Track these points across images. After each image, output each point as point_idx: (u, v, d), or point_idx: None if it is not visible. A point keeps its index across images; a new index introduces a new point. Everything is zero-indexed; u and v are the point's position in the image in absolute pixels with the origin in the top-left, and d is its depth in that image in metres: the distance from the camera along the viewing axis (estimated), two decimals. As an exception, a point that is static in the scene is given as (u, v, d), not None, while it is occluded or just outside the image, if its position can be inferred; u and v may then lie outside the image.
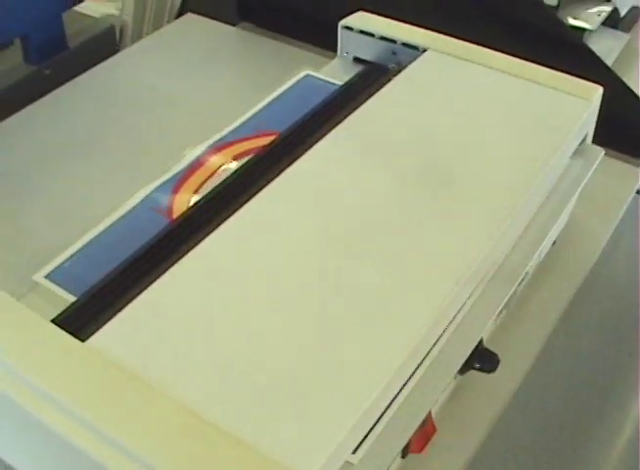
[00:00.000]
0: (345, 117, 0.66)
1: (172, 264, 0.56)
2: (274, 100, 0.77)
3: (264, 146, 0.68)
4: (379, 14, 0.80)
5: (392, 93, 0.69)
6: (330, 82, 0.79)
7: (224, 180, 0.65)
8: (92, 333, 0.51)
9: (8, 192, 0.76)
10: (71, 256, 0.62)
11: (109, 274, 0.58)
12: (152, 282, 0.55)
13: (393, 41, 0.76)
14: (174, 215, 0.65)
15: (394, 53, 0.76)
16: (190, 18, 1.00)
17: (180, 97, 0.86)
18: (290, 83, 0.79)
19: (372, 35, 0.76)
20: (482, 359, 0.59)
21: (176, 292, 0.53)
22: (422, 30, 0.75)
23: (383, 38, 0.76)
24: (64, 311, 0.55)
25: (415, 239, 0.57)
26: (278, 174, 0.62)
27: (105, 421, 0.45)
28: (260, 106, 0.76)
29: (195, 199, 0.67)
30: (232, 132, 0.74)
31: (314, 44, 0.96)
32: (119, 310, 0.53)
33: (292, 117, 0.73)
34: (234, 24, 1.01)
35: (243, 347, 0.50)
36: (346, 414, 0.46)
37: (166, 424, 0.45)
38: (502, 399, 0.63)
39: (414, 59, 0.74)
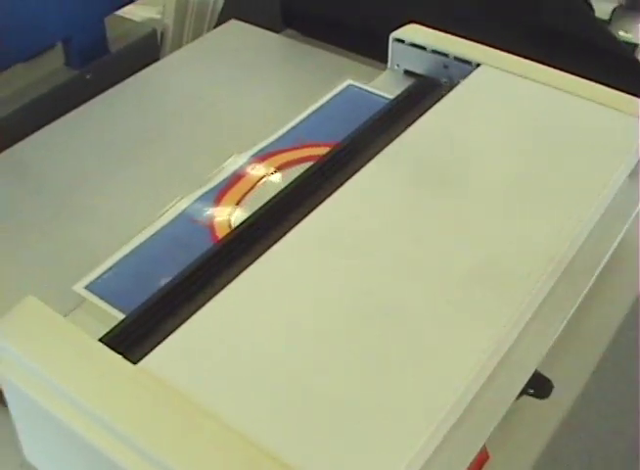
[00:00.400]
0: (396, 136, 0.65)
1: (219, 286, 0.55)
2: (317, 110, 0.77)
3: (314, 163, 0.66)
4: (429, 26, 0.78)
5: (445, 112, 0.67)
6: (373, 93, 0.78)
7: (272, 198, 0.64)
8: (141, 354, 0.50)
9: (49, 201, 0.75)
10: (111, 267, 0.62)
11: (155, 294, 0.57)
12: (199, 303, 0.54)
13: (446, 55, 0.74)
14: (216, 228, 0.64)
15: (446, 67, 0.74)
16: (234, 24, 0.99)
17: (223, 105, 0.85)
18: (332, 93, 0.79)
19: (424, 48, 0.75)
20: (536, 385, 0.57)
21: (227, 315, 0.52)
22: (475, 45, 0.74)
23: (435, 52, 0.75)
24: (111, 330, 0.54)
25: (475, 260, 0.56)
26: (328, 194, 0.61)
27: (159, 447, 0.44)
28: (303, 116, 0.76)
29: (237, 211, 0.66)
30: (274, 143, 0.73)
31: (358, 53, 0.95)
32: (167, 331, 0.52)
33: (335, 128, 0.73)
34: (278, 32, 0.99)
35: (295, 373, 0.49)
36: (405, 445, 0.45)
37: (222, 451, 0.44)
38: (553, 424, 0.62)
39: (466, 73, 0.73)
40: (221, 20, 1.12)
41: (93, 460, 0.47)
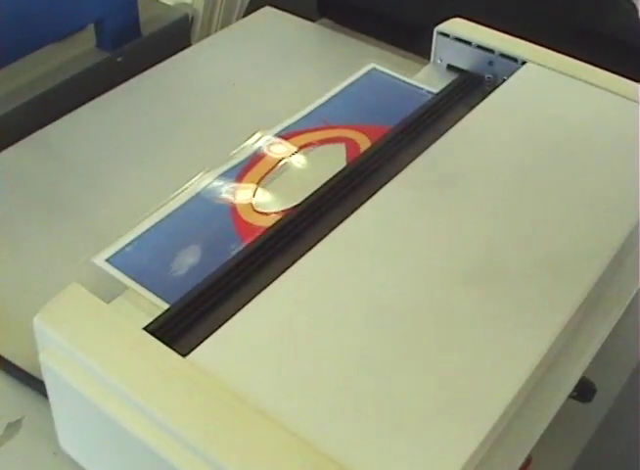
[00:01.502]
0: (440, 134, 0.64)
1: (265, 278, 0.54)
2: (340, 92, 0.77)
3: (357, 157, 0.66)
4: (471, 20, 0.77)
5: (491, 112, 0.67)
6: (395, 77, 0.78)
7: (321, 188, 0.63)
8: (186, 345, 0.49)
9: (77, 181, 0.74)
10: (132, 241, 0.61)
11: (200, 284, 0.56)
12: (244, 295, 0.53)
13: (491, 51, 0.73)
14: (237, 206, 0.65)
15: (491, 63, 0.73)
16: (268, 11, 0.97)
17: (255, 92, 0.85)
18: (355, 77, 0.79)
19: (469, 43, 0.74)
20: (580, 388, 0.56)
21: (277, 309, 0.51)
22: (521, 42, 0.73)
23: (480, 47, 0.74)
24: (156, 320, 0.53)
25: (527, 262, 0.55)
26: (370, 193, 0.60)
27: (209, 443, 0.43)
28: (326, 98, 0.76)
29: (259, 190, 0.66)
30: (297, 123, 0.73)
31: (395, 45, 0.93)
32: (211, 323, 0.51)
33: (357, 110, 0.74)
34: (313, 20, 0.98)
35: (347, 371, 0.48)
36: (459, 449, 0.44)
37: (274, 449, 0.43)
38: (591, 427, 0.62)
39: (511, 70, 0.72)
40: (251, 6, 1.11)
41: (137, 453, 0.46)
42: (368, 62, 0.82)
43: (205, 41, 0.94)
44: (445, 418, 0.45)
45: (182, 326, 0.52)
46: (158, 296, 0.57)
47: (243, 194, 0.66)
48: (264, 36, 0.93)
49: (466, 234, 0.56)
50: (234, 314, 0.51)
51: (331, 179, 0.63)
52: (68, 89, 0.89)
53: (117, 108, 0.82)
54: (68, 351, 0.47)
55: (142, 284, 0.58)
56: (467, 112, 0.67)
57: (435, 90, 0.73)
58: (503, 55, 0.72)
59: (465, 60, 0.75)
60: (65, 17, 0.87)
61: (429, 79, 0.75)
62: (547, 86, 0.69)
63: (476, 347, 0.49)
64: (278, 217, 0.62)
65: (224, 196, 0.66)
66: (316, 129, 0.73)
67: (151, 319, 0.52)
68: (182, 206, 0.64)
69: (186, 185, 0.66)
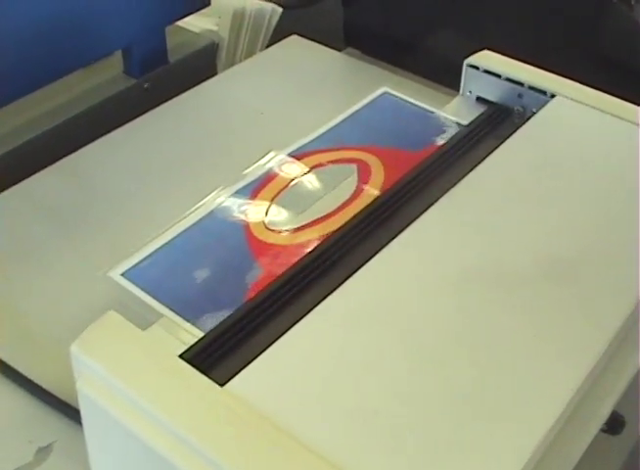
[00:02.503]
0: (471, 167, 0.65)
1: (300, 307, 0.54)
2: (353, 114, 0.78)
3: (390, 188, 0.66)
4: (500, 52, 0.78)
5: (520, 147, 0.67)
6: (407, 100, 0.80)
7: (354, 218, 0.63)
8: (223, 374, 0.50)
9: (110, 208, 0.74)
10: (146, 257, 0.62)
11: (235, 312, 0.56)
12: (279, 324, 0.54)
13: (520, 84, 0.73)
14: (250, 224, 0.66)
15: (520, 95, 0.74)
16: (295, 40, 0.98)
17: (283, 121, 0.85)
18: (368, 100, 0.80)
19: (498, 76, 0.74)
20: (609, 421, 0.56)
21: (315, 340, 0.51)
22: (550, 75, 0.73)
23: (509, 80, 0.74)
24: (191, 347, 0.53)
25: (562, 297, 0.55)
26: (408, 219, 0.61)
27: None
28: (338, 120, 0.77)
29: (272, 208, 0.67)
30: (310, 143, 0.74)
31: (421, 75, 0.94)
32: (247, 351, 0.52)
33: (369, 132, 0.76)
34: (340, 50, 0.99)
35: (385, 403, 0.48)
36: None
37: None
38: (620, 458, 0.62)
39: (540, 103, 0.72)
40: (276, 34, 1.12)
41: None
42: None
43: (233, 69, 0.94)
44: (481, 450, 0.46)
45: (217, 354, 0.52)
46: (171, 310, 0.58)
47: (255, 212, 0.67)
48: (291, 65, 0.94)
49: (496, 264, 0.57)
50: (269, 343, 0.51)
51: (366, 208, 0.64)
52: (94, 115, 0.90)
53: (145, 135, 0.83)
54: (106, 379, 0.47)
55: (155, 298, 0.59)
56: (496, 143, 0.67)
57: (465, 122, 0.73)
58: (532, 88, 0.73)
59: (494, 92, 0.75)
60: (93, 43, 0.88)
61: (458, 111, 0.75)
62: (576, 120, 0.69)
63: (510, 378, 0.50)
64: (290, 235, 0.64)
65: (237, 214, 0.67)
66: (328, 150, 0.74)
67: (186, 347, 0.52)
68: (196, 223, 0.65)
69: (200, 202, 0.67)
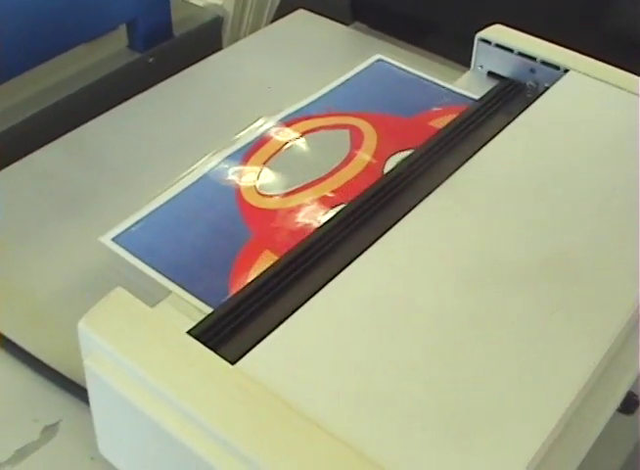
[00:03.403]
0: (483, 143, 0.64)
1: (309, 284, 0.54)
2: (346, 82, 0.78)
3: (399, 164, 0.66)
4: (511, 26, 0.77)
5: (534, 121, 0.66)
6: (402, 68, 0.80)
7: (369, 190, 0.63)
8: (232, 351, 0.49)
9: (115, 184, 0.73)
10: (137, 222, 0.63)
11: (243, 289, 0.55)
12: (288, 301, 0.53)
13: (533, 58, 0.72)
14: (241, 188, 0.66)
15: (533, 70, 0.72)
16: (301, 14, 0.97)
17: (289, 95, 0.83)
18: (362, 67, 0.80)
19: (510, 50, 0.73)
20: (625, 402, 0.56)
21: (327, 317, 0.51)
22: (563, 49, 0.72)
23: (521, 54, 0.73)
24: (199, 324, 0.52)
25: (574, 285, 0.54)
26: (419, 196, 0.60)
27: (262, 454, 0.43)
28: (332, 86, 0.77)
29: (262, 173, 0.67)
30: (301, 109, 0.74)
31: (429, 49, 0.93)
32: (257, 328, 0.51)
33: (362, 99, 0.76)
34: (347, 24, 0.97)
35: (399, 381, 0.47)
36: (511, 464, 0.44)
37: (327, 460, 0.43)
38: (634, 438, 0.61)
39: (553, 78, 0.71)
40: (281, 9, 1.11)
41: (182, 460, 0.45)
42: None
43: (239, 43, 0.93)
44: (497, 431, 0.45)
45: (226, 331, 0.51)
46: (161, 274, 0.59)
47: (247, 176, 0.67)
48: (298, 40, 0.93)
49: (506, 247, 0.56)
50: (279, 320, 0.51)
51: (376, 183, 0.63)
52: (99, 89, 0.89)
53: (150, 109, 0.82)
54: (114, 357, 0.47)
55: (145, 262, 0.60)
56: (509, 119, 0.66)
57: (476, 97, 0.72)
58: (545, 62, 0.72)
59: (506, 67, 0.74)
60: (97, 17, 0.87)
61: (469, 86, 0.74)
62: (590, 95, 0.68)
63: (526, 359, 0.49)
64: (281, 200, 0.65)
65: (229, 178, 0.67)
66: (320, 116, 0.74)
67: (194, 323, 0.51)
68: (188, 187, 0.66)
69: (192, 167, 0.67)
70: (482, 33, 0.74)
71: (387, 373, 0.47)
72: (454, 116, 0.71)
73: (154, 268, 0.59)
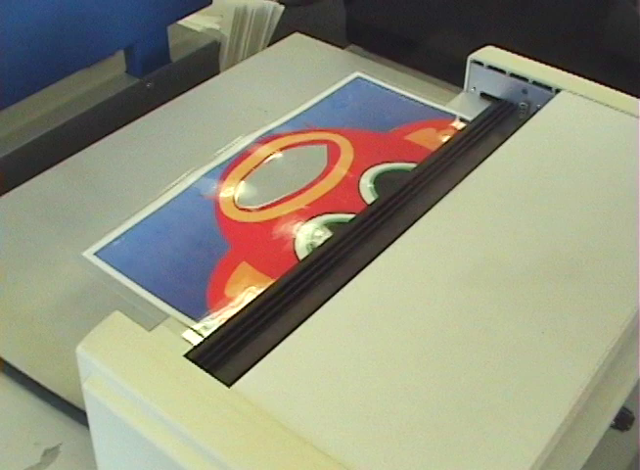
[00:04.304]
0: (476, 164, 0.65)
1: (305, 306, 0.55)
2: (324, 99, 0.81)
3: (395, 185, 0.66)
4: (502, 48, 0.77)
5: (526, 143, 0.67)
6: (380, 85, 0.83)
7: (361, 215, 0.63)
8: (228, 374, 0.50)
9: (113, 209, 0.74)
10: (120, 235, 0.66)
11: (239, 312, 0.56)
12: (283, 323, 0.54)
13: (525, 79, 0.73)
14: (219, 202, 0.69)
15: (525, 91, 0.73)
16: (297, 38, 0.98)
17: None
18: (340, 84, 0.83)
19: (502, 72, 0.74)
20: (618, 417, 0.56)
21: (322, 339, 0.51)
22: (555, 70, 0.73)
23: (513, 75, 0.74)
24: (196, 347, 0.53)
25: (569, 293, 0.55)
26: (414, 217, 0.61)
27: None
28: (311, 103, 0.80)
29: (240, 187, 0.70)
30: (280, 126, 0.77)
31: (423, 71, 0.94)
32: (253, 351, 0.52)
33: (340, 116, 0.79)
34: (342, 47, 0.98)
35: (393, 401, 0.48)
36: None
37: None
38: (629, 454, 0.62)
39: (545, 99, 0.72)
40: (278, 32, 1.12)
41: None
42: (401, 88, 0.82)
43: (236, 68, 0.94)
44: (491, 447, 0.45)
45: (223, 354, 0.52)
46: (142, 287, 0.61)
47: (226, 191, 0.69)
48: (294, 63, 0.93)
49: (502, 262, 0.57)
50: (275, 342, 0.51)
51: (369, 206, 0.64)
52: (98, 115, 0.90)
53: (149, 134, 0.82)
54: (113, 380, 0.47)
55: (126, 275, 0.62)
56: (501, 140, 0.67)
57: (469, 118, 0.72)
58: (537, 83, 0.73)
59: (498, 88, 0.75)
60: (95, 43, 0.88)
61: (462, 107, 0.75)
62: (582, 115, 0.69)
63: (519, 376, 0.49)
64: (257, 213, 0.67)
65: (208, 193, 0.69)
66: (299, 132, 0.77)
67: (191, 346, 0.52)
68: (168, 202, 0.69)
69: (173, 183, 0.70)
70: (475, 55, 0.75)
71: (382, 394, 0.47)
72: (430, 130, 0.74)
73: (133, 281, 0.62)
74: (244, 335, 0.53)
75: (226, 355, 0.52)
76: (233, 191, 0.70)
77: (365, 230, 0.60)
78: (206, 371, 0.48)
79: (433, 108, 0.79)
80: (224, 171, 0.72)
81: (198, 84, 0.92)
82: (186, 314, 0.59)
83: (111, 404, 0.47)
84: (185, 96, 0.88)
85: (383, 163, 0.72)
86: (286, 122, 0.78)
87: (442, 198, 0.60)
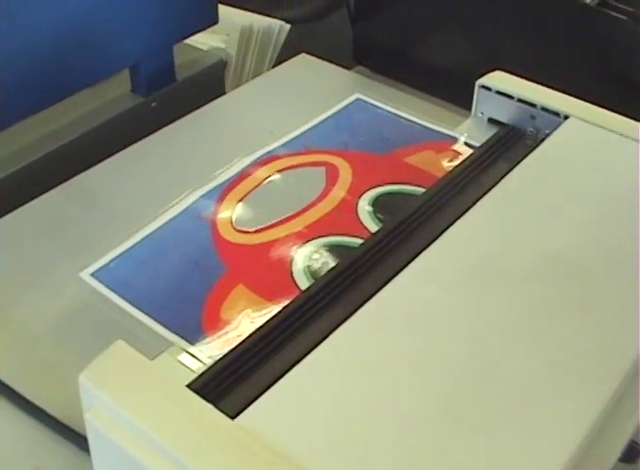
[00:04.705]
0: (484, 191, 0.65)
1: (309, 336, 0.54)
2: (324, 120, 0.80)
3: (402, 211, 0.66)
4: (512, 73, 0.77)
5: (535, 169, 0.67)
6: (379, 107, 0.82)
7: (369, 241, 0.63)
8: (232, 405, 0.49)
9: (118, 229, 0.73)
10: (117, 256, 0.65)
11: (243, 341, 0.55)
12: (288, 353, 0.53)
13: (533, 105, 0.73)
14: (217, 223, 0.68)
15: (533, 117, 0.73)
16: (304, 58, 0.97)
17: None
18: (340, 106, 0.82)
19: (510, 97, 0.73)
20: (627, 450, 0.55)
21: (328, 372, 0.50)
22: (564, 96, 0.72)
23: (521, 101, 0.73)
24: (200, 377, 0.52)
25: (574, 335, 0.54)
26: (422, 244, 0.60)
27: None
28: (310, 125, 0.79)
29: (238, 208, 0.70)
30: (279, 148, 0.77)
31: (431, 94, 0.93)
32: (256, 381, 0.51)
33: (339, 137, 0.78)
34: (349, 68, 0.98)
35: (400, 436, 0.47)
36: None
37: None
38: None
39: (554, 125, 0.71)
40: (285, 51, 1.11)
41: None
42: (404, 111, 0.82)
43: (242, 88, 0.94)
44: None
45: (226, 384, 0.51)
46: (137, 308, 0.61)
47: (223, 212, 0.69)
48: (300, 84, 0.93)
49: (510, 291, 0.56)
50: (279, 373, 0.51)
51: (375, 234, 0.63)
52: (102, 134, 0.90)
53: (154, 155, 0.82)
54: (115, 411, 0.47)
55: (121, 296, 0.61)
56: (508, 166, 0.66)
57: (477, 143, 0.72)
58: (545, 109, 0.72)
59: (506, 113, 0.74)
60: (100, 61, 0.87)
61: (470, 132, 0.74)
62: (591, 142, 0.68)
63: (528, 410, 0.49)
64: (255, 235, 0.67)
65: (206, 214, 0.69)
66: (298, 154, 0.76)
67: (195, 376, 0.51)
68: (166, 223, 0.68)
69: (171, 204, 0.69)
70: (483, 80, 0.75)
71: (389, 428, 0.47)
72: (430, 152, 0.74)
73: (129, 302, 0.61)
74: (247, 365, 0.53)
75: (229, 386, 0.52)
76: (230, 213, 0.69)
77: (371, 259, 0.59)
78: (209, 402, 0.47)
79: (433, 130, 0.79)
80: (222, 193, 0.72)
81: (203, 103, 0.91)
82: (181, 336, 0.59)
83: (114, 436, 0.47)
84: (191, 116, 0.87)
85: (382, 185, 0.72)
86: (285, 144, 0.77)
87: (451, 226, 0.60)
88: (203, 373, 0.53)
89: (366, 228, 0.67)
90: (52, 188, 0.79)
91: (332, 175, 0.73)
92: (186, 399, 0.47)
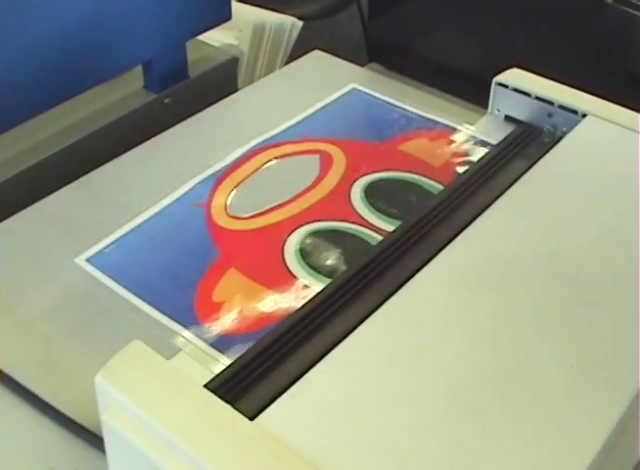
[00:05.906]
0: (502, 190, 0.65)
1: (325, 337, 0.54)
2: (319, 109, 0.83)
3: (421, 208, 0.66)
4: (527, 70, 0.76)
5: (554, 168, 0.66)
6: (375, 97, 0.84)
7: (393, 234, 0.63)
8: (249, 405, 0.49)
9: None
10: (113, 242, 0.67)
11: (259, 342, 0.55)
12: (304, 354, 0.53)
13: (550, 103, 0.72)
14: (211, 210, 0.70)
15: (550, 115, 0.72)
16: (317, 55, 0.97)
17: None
18: (336, 95, 0.84)
19: (528, 95, 0.73)
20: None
21: (345, 373, 0.50)
22: (582, 94, 0.72)
23: (539, 98, 0.72)
24: (217, 377, 0.52)
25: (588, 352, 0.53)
26: (443, 240, 0.61)
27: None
28: (306, 114, 0.81)
29: (232, 195, 0.72)
30: (276, 135, 0.79)
31: (444, 91, 0.93)
32: (274, 381, 0.51)
33: (334, 126, 0.80)
34: (363, 65, 0.97)
35: (417, 437, 0.47)
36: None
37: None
38: None
39: (571, 123, 0.71)
40: (298, 47, 1.11)
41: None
42: (417, 107, 0.82)
43: (255, 84, 0.93)
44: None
45: (244, 384, 0.51)
46: (131, 292, 0.63)
47: (218, 199, 0.71)
48: (314, 81, 0.92)
49: (530, 292, 0.56)
50: (297, 374, 0.50)
51: (399, 228, 0.63)
52: (115, 130, 0.89)
53: (167, 152, 0.81)
54: (132, 411, 0.46)
55: (116, 281, 0.63)
56: (526, 165, 0.66)
57: (494, 141, 0.71)
58: (562, 107, 0.71)
59: (523, 111, 0.74)
60: (113, 58, 0.87)
61: (486, 130, 0.74)
62: (609, 140, 0.68)
63: (550, 414, 0.49)
64: (248, 222, 0.69)
65: (200, 201, 0.71)
66: (294, 142, 0.78)
67: (212, 375, 0.51)
68: (161, 210, 0.70)
69: (167, 191, 0.71)
70: (500, 77, 0.74)
71: (407, 429, 0.46)
72: (423, 140, 0.76)
73: (123, 287, 0.63)
74: (264, 365, 0.53)
75: (247, 386, 0.51)
76: (225, 199, 0.71)
77: (387, 259, 0.59)
78: (227, 402, 0.47)
79: (427, 118, 0.80)
80: (217, 180, 0.73)
81: (216, 100, 0.91)
82: (173, 319, 0.61)
83: (130, 436, 0.46)
84: (204, 113, 0.87)
85: (374, 172, 0.73)
86: (281, 132, 0.79)
87: (469, 225, 0.59)
88: (220, 373, 0.52)
89: (358, 214, 0.69)
90: (66, 185, 0.79)
91: (326, 163, 0.75)
92: (204, 400, 0.47)
